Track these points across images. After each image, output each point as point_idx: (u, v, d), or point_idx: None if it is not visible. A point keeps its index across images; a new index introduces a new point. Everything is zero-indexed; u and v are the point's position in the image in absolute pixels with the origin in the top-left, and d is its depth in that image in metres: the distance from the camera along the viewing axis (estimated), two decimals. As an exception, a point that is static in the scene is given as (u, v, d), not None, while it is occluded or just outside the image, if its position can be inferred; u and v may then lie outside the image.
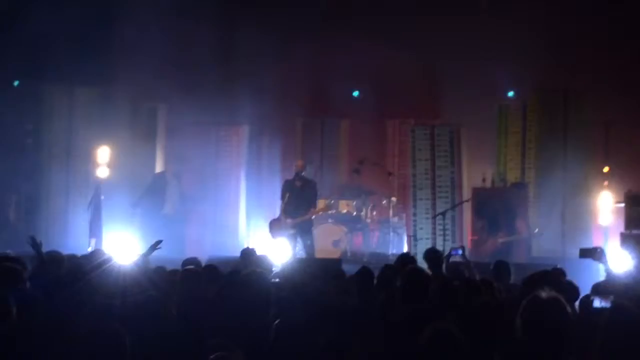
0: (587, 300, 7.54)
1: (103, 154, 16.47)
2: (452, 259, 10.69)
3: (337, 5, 17.69)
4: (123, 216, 16.35)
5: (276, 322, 4.97)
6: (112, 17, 16.74)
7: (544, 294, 4.73)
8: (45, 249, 8.75)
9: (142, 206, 16.38)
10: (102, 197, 16.06)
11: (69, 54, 15.74)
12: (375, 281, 8.23)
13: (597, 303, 7.23)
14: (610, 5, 15.74)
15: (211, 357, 4.37)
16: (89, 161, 16.95)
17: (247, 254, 10.58)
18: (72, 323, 5.58)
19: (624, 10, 15.64)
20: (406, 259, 9.24)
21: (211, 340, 4.86)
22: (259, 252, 10.75)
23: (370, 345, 5.19)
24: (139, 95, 17.44)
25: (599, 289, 8.47)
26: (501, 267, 9.71)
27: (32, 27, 15.41)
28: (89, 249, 13.63)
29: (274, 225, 14.69)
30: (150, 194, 16.53)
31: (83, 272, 7.35)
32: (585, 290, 8.30)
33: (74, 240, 14.98)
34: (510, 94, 17.17)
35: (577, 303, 7.47)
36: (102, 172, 16.54)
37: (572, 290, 8.00)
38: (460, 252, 10.89)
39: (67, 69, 15.81)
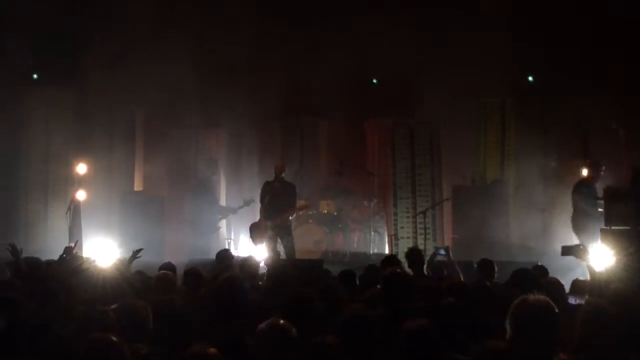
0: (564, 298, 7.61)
1: (81, 160, 16.42)
2: (436, 259, 10.72)
3: (314, 5, 17.63)
4: (102, 222, 16.28)
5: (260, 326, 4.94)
6: (88, 18, 16.62)
7: (532, 298, 4.77)
8: (24, 254, 8.68)
9: None
10: (81, 202, 15.97)
11: (43, 56, 15.62)
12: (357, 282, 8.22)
13: (572, 300, 7.28)
14: (594, 4, 15.77)
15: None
16: (67, 165, 16.85)
17: (222, 256, 10.56)
18: (58, 332, 5.51)
19: (607, 9, 15.69)
20: (390, 262, 9.21)
21: (193, 347, 4.80)
22: (243, 254, 10.74)
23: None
24: (116, 99, 17.32)
25: (577, 286, 8.52)
26: (486, 266, 9.72)
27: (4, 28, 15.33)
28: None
29: (254, 230, 14.62)
30: None
31: (62, 278, 7.31)
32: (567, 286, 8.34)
33: (54, 245, 14.88)
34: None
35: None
36: (81, 176, 16.47)
37: (556, 287, 8.02)
38: (443, 252, 10.93)
39: (41, 72, 15.68)
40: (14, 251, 8.56)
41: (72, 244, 9.08)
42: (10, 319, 5.24)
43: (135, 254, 8.69)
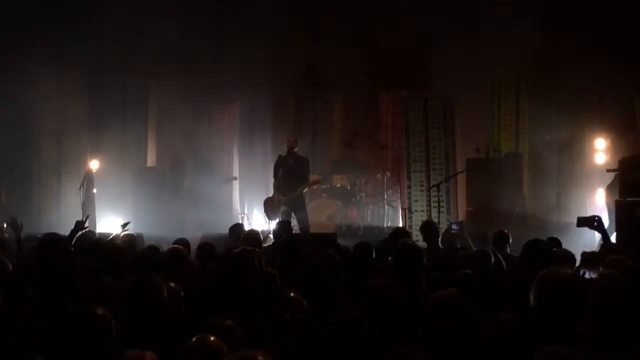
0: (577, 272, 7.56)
1: (94, 135, 16.48)
2: (450, 232, 10.74)
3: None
4: (115, 196, 16.33)
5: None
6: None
7: (557, 271, 4.75)
8: (39, 229, 8.70)
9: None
10: (94, 177, 16.01)
11: (55, 33, 15.57)
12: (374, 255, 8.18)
13: (586, 275, 7.23)
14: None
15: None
16: (80, 141, 16.88)
17: (235, 230, 10.55)
18: (63, 306, 5.52)
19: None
20: (399, 234, 9.17)
21: (207, 320, 4.79)
22: (255, 227, 10.72)
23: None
24: (129, 74, 17.29)
25: (587, 258, 8.49)
26: (501, 237, 9.71)
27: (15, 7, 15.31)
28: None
29: (269, 205, 14.63)
30: None
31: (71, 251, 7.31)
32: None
33: (67, 220, 14.94)
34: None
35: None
36: (94, 153, 16.57)
37: (568, 259, 8.00)
38: (457, 227, 10.95)
39: (54, 49, 15.63)
40: (14, 225, 8.56)
41: (84, 219, 9.06)
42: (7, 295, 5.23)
43: (123, 227, 8.70)
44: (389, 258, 7.28)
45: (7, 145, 15.77)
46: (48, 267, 6.12)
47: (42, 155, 17.00)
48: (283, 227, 10.72)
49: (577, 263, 7.92)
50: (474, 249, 9.17)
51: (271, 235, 10.79)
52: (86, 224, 8.98)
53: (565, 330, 4.55)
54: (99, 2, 16.69)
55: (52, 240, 8.18)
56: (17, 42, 15.62)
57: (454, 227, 11.05)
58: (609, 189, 13.91)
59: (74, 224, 8.82)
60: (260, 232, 10.15)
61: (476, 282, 6.18)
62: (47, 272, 6.05)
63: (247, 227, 11.61)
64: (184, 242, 8.81)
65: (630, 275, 5.32)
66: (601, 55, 15.12)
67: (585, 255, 8.70)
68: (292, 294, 5.66)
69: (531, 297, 4.71)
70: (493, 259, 7.45)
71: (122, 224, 8.99)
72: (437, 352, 4.62)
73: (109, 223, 15.75)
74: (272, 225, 14.12)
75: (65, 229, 9.10)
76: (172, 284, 5.66)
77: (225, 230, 11.00)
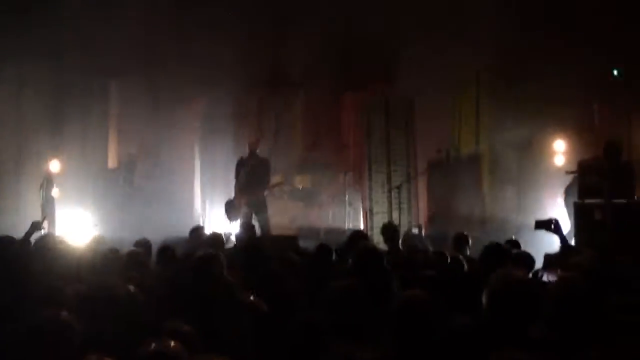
0: (536, 275, 7.67)
1: (54, 135, 16.36)
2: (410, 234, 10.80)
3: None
4: (75, 197, 16.18)
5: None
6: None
7: (509, 271, 4.81)
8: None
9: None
10: (54, 177, 15.86)
11: (16, 25, 15.36)
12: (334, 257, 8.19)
13: (545, 277, 7.32)
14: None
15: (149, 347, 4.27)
16: (40, 141, 16.71)
17: (195, 233, 10.51)
18: (18, 310, 5.47)
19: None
20: (357, 237, 9.22)
21: (167, 324, 4.78)
22: (216, 230, 10.69)
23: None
24: (91, 70, 17.11)
25: (547, 260, 8.58)
26: (461, 239, 9.79)
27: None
28: (42, 231, 13.47)
29: (229, 207, 14.59)
30: None
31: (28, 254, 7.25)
32: (539, 260, 8.39)
33: (26, 220, 14.80)
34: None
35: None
36: (54, 154, 16.43)
37: (527, 261, 8.08)
38: (417, 230, 11.04)
39: (14, 42, 15.43)
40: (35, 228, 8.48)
41: (41, 220, 8.98)
42: None
43: (37, 226, 8.61)
44: (349, 260, 7.30)
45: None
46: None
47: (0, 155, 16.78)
48: (246, 229, 10.72)
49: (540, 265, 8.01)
50: (431, 251, 9.26)
51: (232, 237, 10.78)
52: (43, 225, 8.90)
53: (518, 333, 4.60)
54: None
55: (5, 242, 8.13)
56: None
57: (414, 230, 11.16)
58: (567, 191, 14.04)
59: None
60: (222, 234, 10.16)
61: (439, 284, 6.24)
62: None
63: (207, 228, 11.56)
64: (144, 243, 8.77)
65: (588, 278, 5.38)
66: (563, 57, 15.24)
67: (547, 257, 8.80)
68: (250, 298, 5.67)
69: (483, 300, 4.77)
70: (449, 260, 7.51)
71: (33, 222, 8.87)
72: (402, 353, 4.65)
73: (69, 224, 15.63)
74: (233, 226, 14.10)
75: (24, 231, 9.01)
76: (131, 287, 5.63)
77: (186, 231, 10.96)
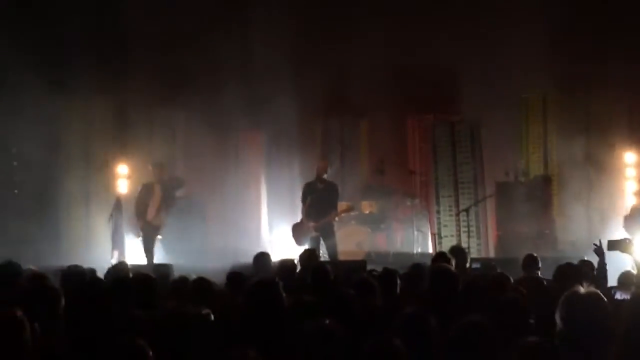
0: (609, 293, 7.51)
1: (122, 166, 16.58)
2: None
3: (352, 4, 17.50)
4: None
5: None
6: (124, 24, 16.61)
7: (582, 290, 4.68)
8: (66, 262, 8.68)
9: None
10: (123, 209, 16.01)
11: (83, 63, 15.64)
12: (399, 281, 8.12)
13: (619, 295, 7.16)
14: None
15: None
16: (108, 172, 16.93)
17: (259, 259, 10.43)
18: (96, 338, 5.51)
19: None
20: (440, 258, 9.18)
21: (234, 350, 4.76)
22: (282, 256, 10.64)
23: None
24: (155, 103, 17.31)
25: (624, 279, 8.40)
26: (531, 261, 9.68)
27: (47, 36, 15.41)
28: (112, 261, 13.61)
29: (297, 230, 14.61)
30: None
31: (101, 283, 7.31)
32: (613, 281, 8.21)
33: (96, 253, 14.94)
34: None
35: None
36: (122, 184, 16.63)
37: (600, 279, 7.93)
38: (478, 264, 10.94)
39: (82, 79, 15.69)
40: None
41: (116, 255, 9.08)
42: None
43: None
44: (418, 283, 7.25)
45: (36, 177, 15.84)
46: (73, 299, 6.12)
47: (68, 185, 16.95)
48: (309, 256, 10.67)
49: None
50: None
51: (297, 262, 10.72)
52: (113, 254, 9.00)
53: (594, 351, 4.49)
54: (123, 32, 16.72)
55: (74, 273, 8.20)
56: (52, 73, 15.69)
57: (474, 265, 11.06)
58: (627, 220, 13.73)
59: (102, 254, 8.85)
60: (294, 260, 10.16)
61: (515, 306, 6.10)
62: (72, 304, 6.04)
63: (272, 255, 11.48)
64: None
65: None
66: (628, 71, 15.04)
67: (621, 276, 8.62)
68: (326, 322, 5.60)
69: (557, 319, 4.66)
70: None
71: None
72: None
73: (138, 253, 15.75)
74: (300, 250, 14.07)
75: (93, 260, 9.10)
76: (204, 311, 5.64)
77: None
